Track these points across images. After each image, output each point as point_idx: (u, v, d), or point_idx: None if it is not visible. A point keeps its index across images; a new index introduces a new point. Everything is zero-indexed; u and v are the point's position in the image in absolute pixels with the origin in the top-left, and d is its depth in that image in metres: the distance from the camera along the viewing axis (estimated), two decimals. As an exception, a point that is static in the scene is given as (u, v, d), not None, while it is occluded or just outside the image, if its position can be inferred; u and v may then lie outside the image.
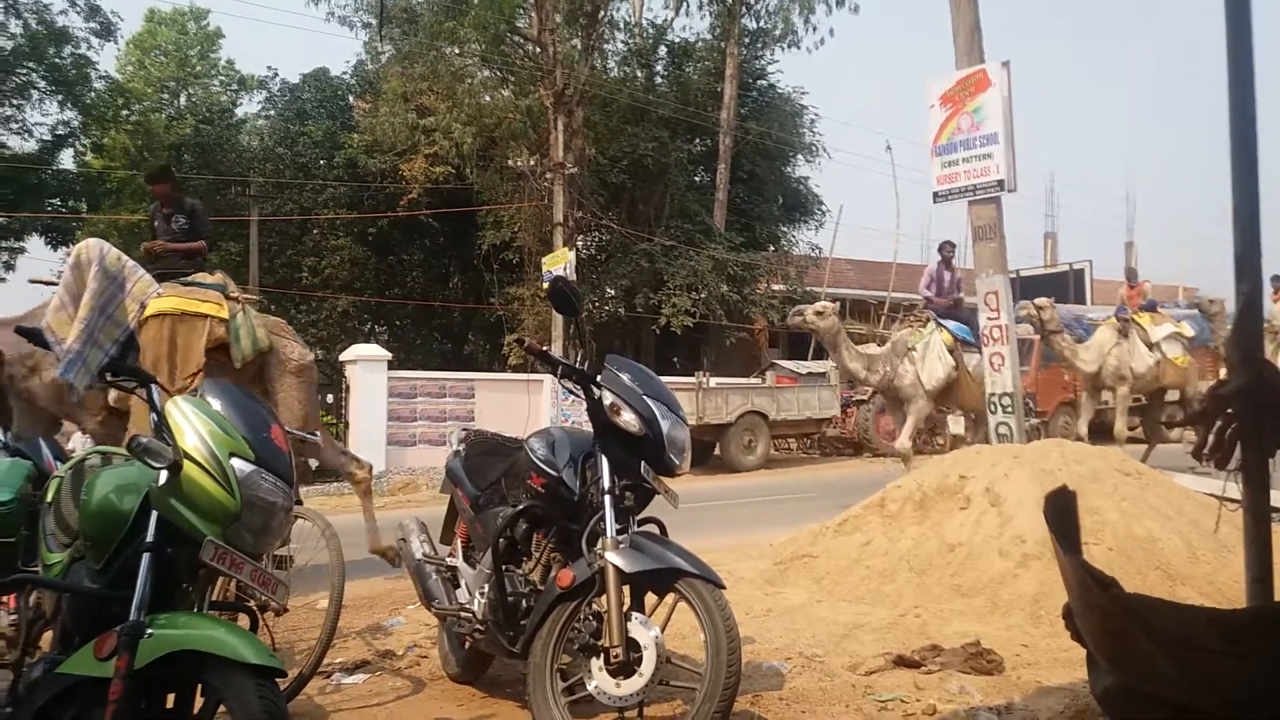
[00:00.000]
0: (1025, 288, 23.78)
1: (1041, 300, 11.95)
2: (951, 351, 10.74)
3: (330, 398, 16.88)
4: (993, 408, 7.68)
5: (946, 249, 11.49)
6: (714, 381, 18.14)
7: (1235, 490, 2.13)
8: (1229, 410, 2.04)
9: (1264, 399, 1.99)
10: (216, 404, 2.64)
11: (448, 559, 4.16)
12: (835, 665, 4.15)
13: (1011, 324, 7.76)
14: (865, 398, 20.06)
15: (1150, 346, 12.63)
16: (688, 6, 24.95)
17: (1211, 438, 2.05)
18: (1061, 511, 1.96)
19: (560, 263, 17.73)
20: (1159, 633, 1.65)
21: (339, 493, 14.66)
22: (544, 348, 3.69)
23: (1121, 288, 14.71)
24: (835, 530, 6.16)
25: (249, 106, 32.17)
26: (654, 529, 3.55)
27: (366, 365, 16.75)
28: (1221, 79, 2.08)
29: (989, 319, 7.71)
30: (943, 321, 10.97)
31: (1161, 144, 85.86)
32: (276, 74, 29.41)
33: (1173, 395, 14.20)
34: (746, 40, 24.98)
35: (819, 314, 10.44)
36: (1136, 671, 1.72)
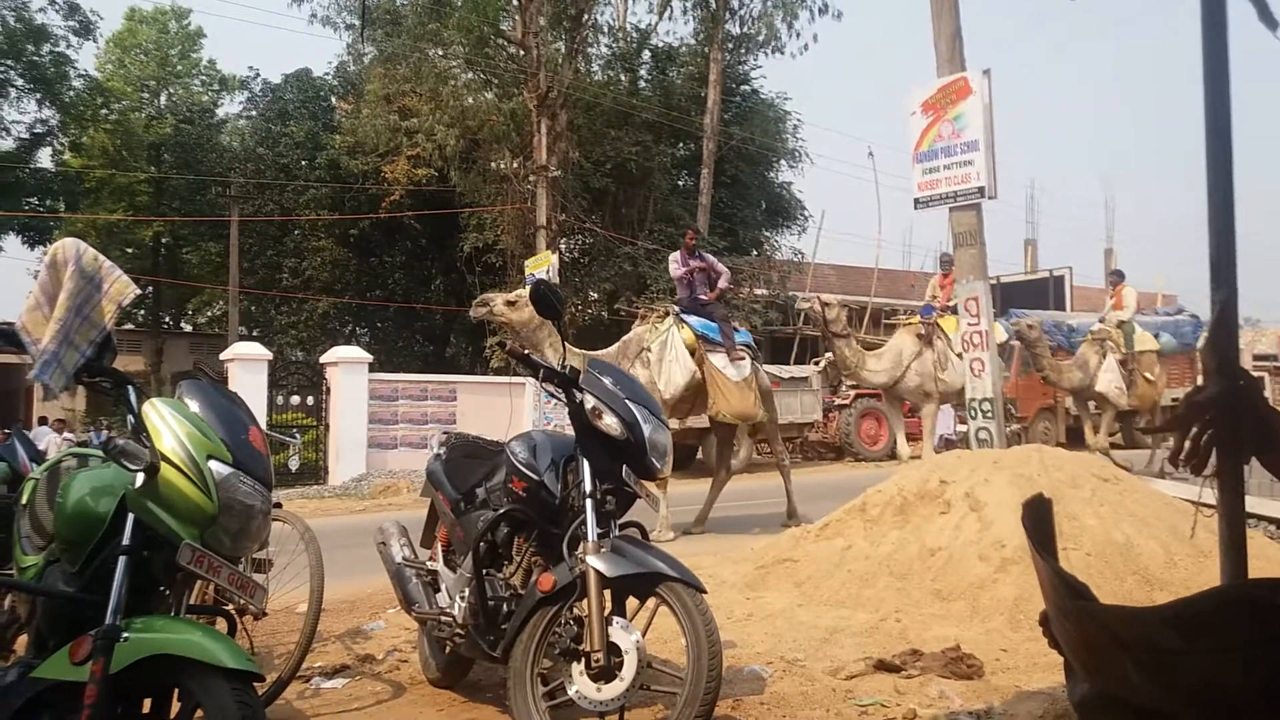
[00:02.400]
0: (1005, 294, 23.96)
1: (829, 297, 10.81)
2: (693, 353, 9.13)
3: (311, 400, 16.79)
4: (973, 413, 7.72)
5: (690, 235, 10.25)
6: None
7: (1211, 496, 2.15)
8: (1205, 417, 2.06)
9: (1239, 406, 2.01)
10: (194, 405, 2.62)
11: (428, 563, 4.14)
12: (816, 670, 4.15)
13: (991, 330, 7.80)
14: (847, 402, 20.15)
15: (960, 356, 11.15)
16: (672, 11, 25.02)
17: (1187, 444, 2.06)
18: (1038, 518, 1.97)
19: (543, 266, 17.72)
20: (1125, 641, 1.66)
21: (318, 495, 14.59)
22: (526, 351, 3.69)
23: (933, 278, 12.66)
24: (816, 534, 6.17)
25: (230, 106, 32.11)
26: (635, 533, 3.55)
27: (347, 367, 16.68)
28: (1198, 87, 2.10)
29: (969, 324, 7.75)
30: (685, 317, 9.37)
31: (1141, 151, 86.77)
32: (258, 74, 29.37)
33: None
34: (730, 45, 25.04)
35: (510, 304, 8.51)
36: (1110, 679, 1.73)
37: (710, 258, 10.17)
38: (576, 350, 8.63)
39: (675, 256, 10.05)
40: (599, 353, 9.04)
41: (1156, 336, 13.89)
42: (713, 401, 9.20)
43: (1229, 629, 1.53)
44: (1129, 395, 12.76)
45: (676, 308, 9.55)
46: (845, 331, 10.76)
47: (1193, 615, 1.59)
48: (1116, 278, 13.93)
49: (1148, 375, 13.01)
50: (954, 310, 11.26)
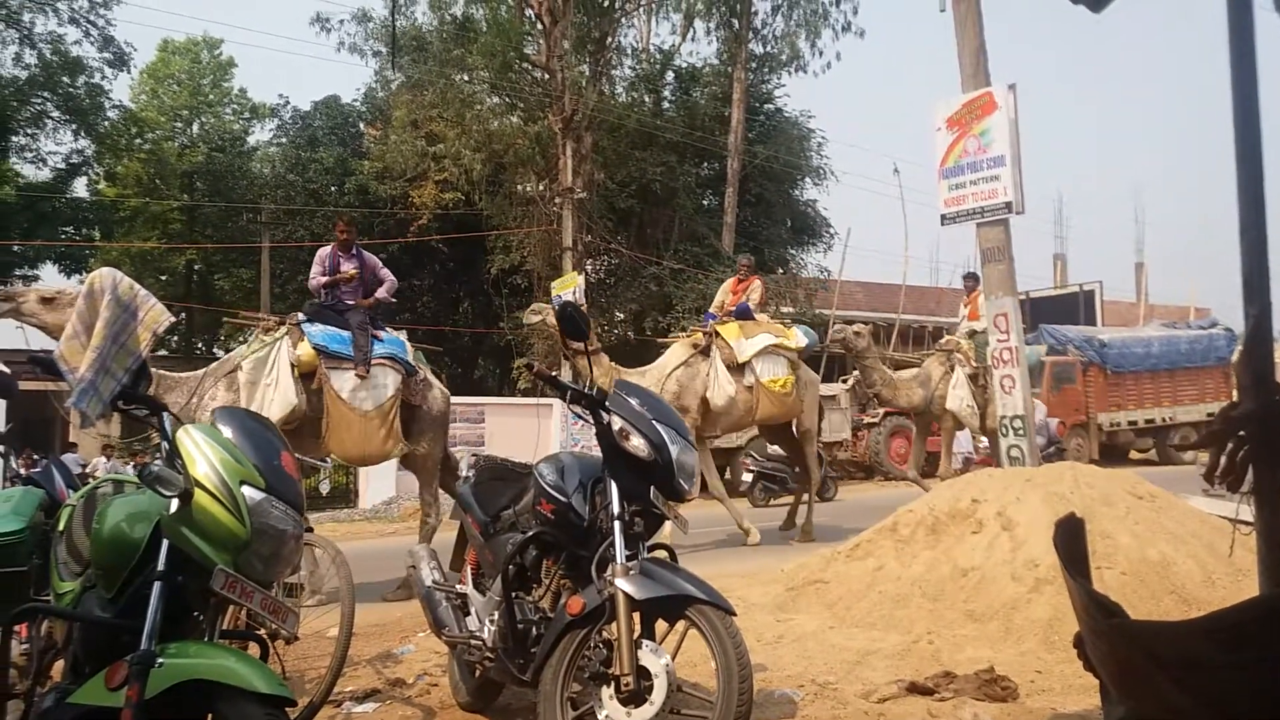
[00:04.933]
0: (1035, 309, 23.76)
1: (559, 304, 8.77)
2: (312, 374, 7.17)
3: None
4: (1004, 430, 7.64)
5: (340, 228, 7.98)
6: (724, 405, 18.08)
7: (1249, 512, 2.12)
8: (1240, 433, 2.03)
9: (1275, 421, 1.99)
10: (227, 431, 2.65)
11: (458, 586, 4.15)
12: (848, 693, 4.11)
13: (1022, 346, 7.72)
14: (876, 420, 19.96)
15: (739, 368, 9.62)
16: (695, 33, 25.21)
17: (1223, 460, 2.04)
18: (1071, 538, 1.95)
19: (569, 287, 17.78)
20: (1161, 658, 1.63)
21: (348, 519, 14.67)
22: (553, 372, 3.70)
23: (726, 282, 10.93)
24: (847, 555, 6.13)
25: (261, 134, 32.51)
26: (664, 555, 3.53)
27: (377, 390, 16.74)
28: (1227, 99, 2.09)
29: (999, 341, 7.68)
30: (305, 327, 7.34)
31: (1171, 165, 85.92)
32: (288, 102, 29.70)
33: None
34: (753, 65, 25.14)
35: (46, 301, 6.21)
36: (1146, 700, 1.71)
37: (373, 258, 8.07)
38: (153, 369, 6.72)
39: (322, 255, 7.88)
40: (184, 375, 7.29)
41: None
42: (325, 438, 7.16)
43: (1272, 638, 1.49)
44: (986, 414, 10.99)
45: (300, 315, 7.55)
46: (593, 347, 8.77)
47: (1233, 626, 1.55)
48: (972, 282, 11.52)
49: None
50: (738, 315, 10.08)
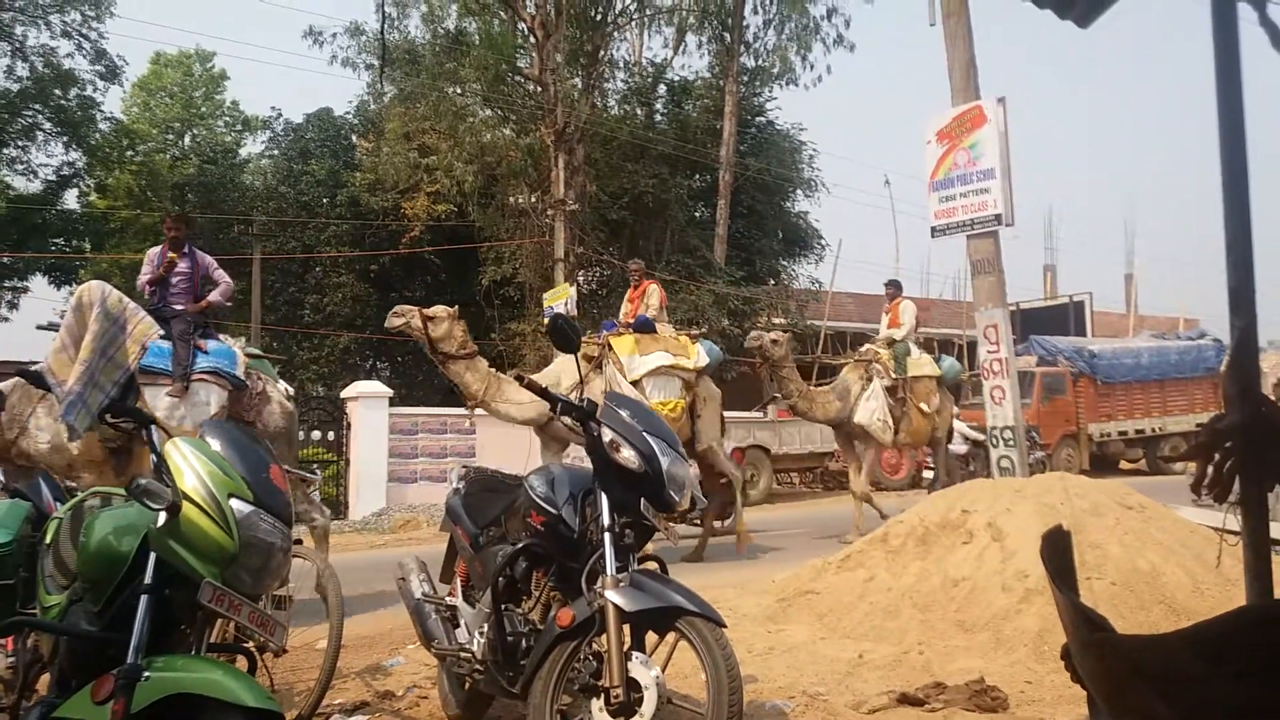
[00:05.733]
0: (1025, 321, 23.84)
1: (430, 312, 8.54)
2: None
3: (331, 435, 16.87)
4: (994, 441, 7.67)
5: (167, 225, 7.38)
6: (716, 416, 18.07)
7: (1236, 523, 2.13)
8: (1227, 444, 2.04)
9: (1261, 433, 2.00)
10: (216, 444, 2.64)
11: (447, 598, 4.14)
12: (839, 704, 4.11)
13: (1011, 357, 7.75)
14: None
15: (633, 384, 8.93)
16: (686, 46, 25.34)
17: (1210, 471, 2.05)
18: (1057, 551, 1.95)
19: (561, 298, 17.79)
20: (1147, 671, 1.63)
21: (338, 530, 14.60)
22: (544, 385, 3.70)
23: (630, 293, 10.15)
24: (838, 566, 6.13)
25: (253, 146, 32.47)
26: (654, 566, 3.53)
27: (368, 402, 16.74)
28: (1213, 110, 2.10)
29: (988, 352, 7.71)
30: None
31: (1161, 177, 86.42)
32: (280, 114, 29.68)
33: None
34: (745, 78, 25.24)
35: None
36: (1133, 713, 1.71)
37: (207, 258, 7.45)
38: None
39: (152, 254, 7.26)
40: None
41: (938, 360, 11.77)
42: (141, 460, 6.28)
43: (1255, 650, 1.49)
44: (900, 428, 10.78)
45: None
46: (466, 350, 8.44)
47: (1217, 638, 1.55)
48: (894, 289, 11.86)
49: (923, 406, 10.99)
50: (638, 328, 9.51)
